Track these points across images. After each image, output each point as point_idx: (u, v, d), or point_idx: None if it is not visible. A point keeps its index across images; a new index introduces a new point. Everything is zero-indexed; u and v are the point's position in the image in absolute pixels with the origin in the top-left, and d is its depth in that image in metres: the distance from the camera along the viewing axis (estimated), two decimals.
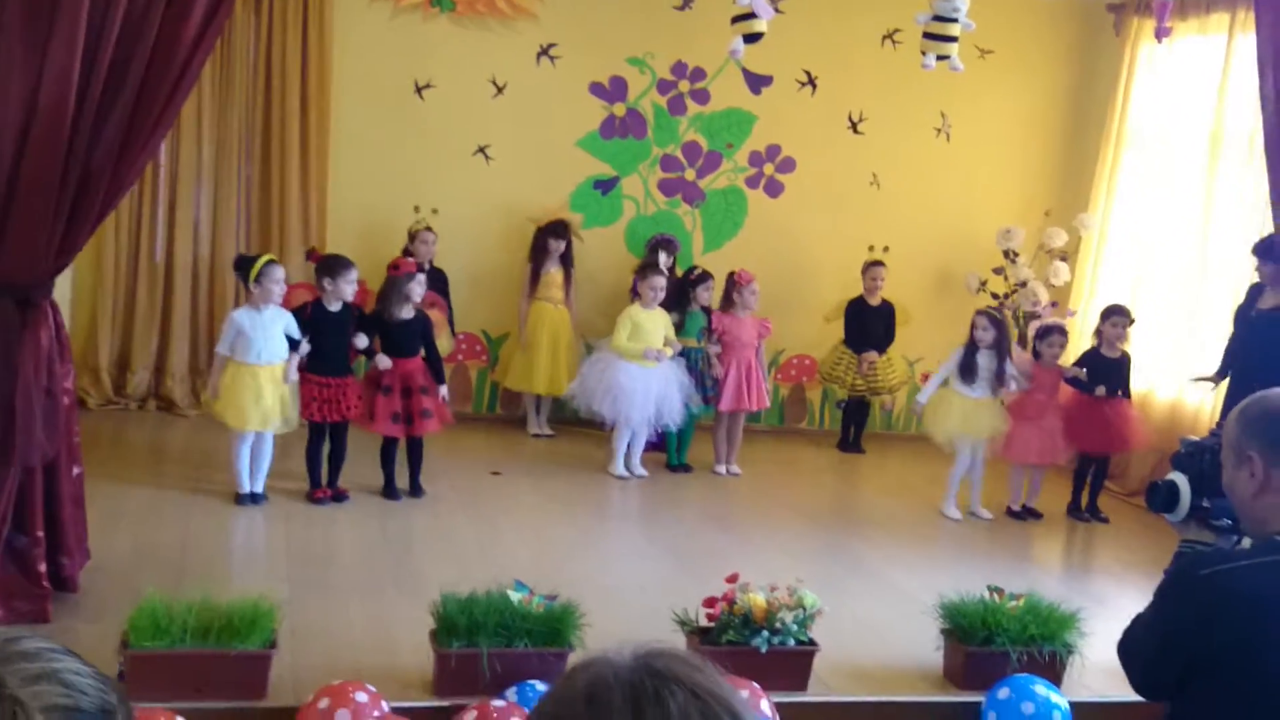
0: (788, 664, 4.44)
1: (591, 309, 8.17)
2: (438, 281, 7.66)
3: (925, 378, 8.63)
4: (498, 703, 3.77)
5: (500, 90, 8.13)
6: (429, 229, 7.68)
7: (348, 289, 6.10)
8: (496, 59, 8.08)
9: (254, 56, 7.78)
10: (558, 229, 7.83)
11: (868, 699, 4.53)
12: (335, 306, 6.11)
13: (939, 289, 8.88)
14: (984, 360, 6.89)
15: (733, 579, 4.51)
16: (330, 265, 6.15)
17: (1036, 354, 7.17)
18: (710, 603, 4.46)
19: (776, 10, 8.09)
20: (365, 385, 6.35)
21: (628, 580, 5.55)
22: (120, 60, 4.22)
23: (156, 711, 3.55)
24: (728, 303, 7.53)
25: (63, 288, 7.22)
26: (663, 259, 7.64)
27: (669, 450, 7.58)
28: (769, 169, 8.67)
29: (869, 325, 8.26)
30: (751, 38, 5.15)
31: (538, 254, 7.87)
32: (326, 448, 6.24)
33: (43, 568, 4.44)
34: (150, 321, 7.85)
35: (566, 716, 0.96)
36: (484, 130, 8.12)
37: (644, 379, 7.08)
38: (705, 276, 7.56)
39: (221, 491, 6.13)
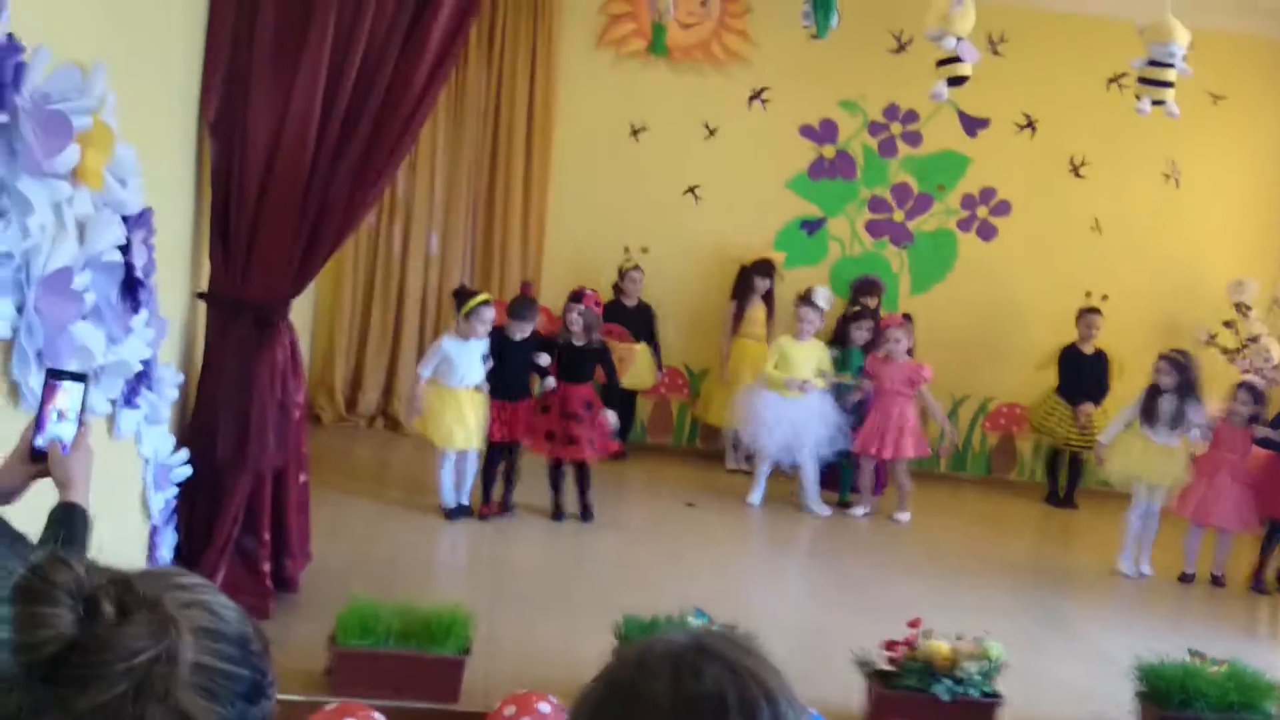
0: (970, 715, 4.37)
1: None
2: (644, 317, 7.91)
3: None
4: None
5: (712, 133, 8.33)
6: (637, 267, 7.93)
7: (523, 330, 6.43)
8: (709, 102, 8.29)
9: (485, 101, 8.24)
10: (763, 268, 7.94)
11: None
12: (518, 336, 6.43)
13: (1163, 340, 8.47)
14: (1166, 404, 6.62)
15: (915, 624, 4.48)
16: (512, 307, 6.53)
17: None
18: (890, 645, 4.44)
19: (995, 53, 8.07)
20: (534, 405, 6.62)
21: (809, 617, 5.56)
22: (356, 103, 4.60)
23: (356, 705, 3.80)
24: (878, 346, 7.43)
25: (305, 312, 7.88)
26: (821, 296, 7.54)
27: (841, 487, 7.56)
28: (982, 211, 8.54)
29: (1083, 374, 7.99)
30: (956, 81, 5.14)
31: (742, 292, 8.00)
32: (501, 467, 6.54)
33: (267, 567, 4.83)
34: (382, 345, 8.38)
35: (619, 674, 1.07)
36: (695, 171, 8.34)
37: (784, 409, 7.12)
38: (860, 315, 7.52)
39: (433, 506, 6.47)
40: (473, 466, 6.48)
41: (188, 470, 4.48)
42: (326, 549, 5.58)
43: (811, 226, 8.47)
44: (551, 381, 6.50)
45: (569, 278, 8.21)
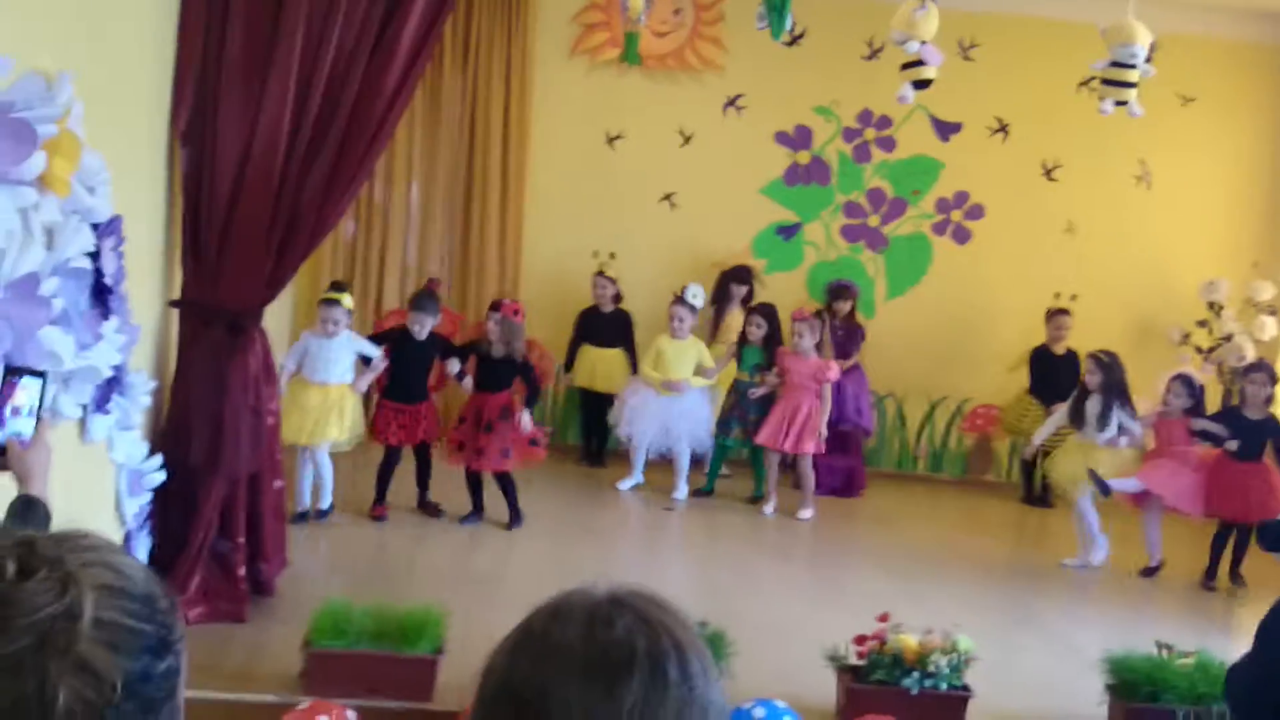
0: (939, 707, 4.41)
1: None
2: (621, 323, 7.95)
3: None
4: None
5: (687, 140, 8.40)
6: (599, 273, 7.95)
7: (424, 325, 6.38)
8: (684, 110, 8.37)
9: (460, 110, 8.29)
10: (740, 274, 8.00)
11: None
12: (419, 333, 6.39)
13: (1137, 340, 8.58)
14: (1092, 405, 6.75)
15: (884, 618, 4.53)
16: (415, 300, 6.52)
17: (1242, 394, 6.87)
18: (860, 640, 4.48)
19: (966, 58, 8.15)
20: (456, 417, 6.64)
21: (783, 615, 5.60)
22: (327, 109, 4.65)
23: (330, 704, 3.84)
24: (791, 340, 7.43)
25: (283, 321, 7.91)
26: (693, 294, 7.62)
27: (756, 481, 7.68)
28: (956, 215, 8.62)
29: (1055, 375, 8.06)
30: (921, 84, 5.21)
31: (720, 298, 8.06)
32: (411, 469, 6.53)
33: (242, 571, 4.86)
34: None
35: (535, 623, 1.11)
36: (671, 178, 8.41)
37: (657, 404, 7.28)
38: (751, 312, 7.59)
39: (408, 510, 6.49)
40: (326, 468, 6.31)
41: (162, 476, 4.51)
42: (303, 554, 5.61)
43: (788, 232, 8.54)
44: (469, 383, 6.48)
45: (547, 285, 8.28)
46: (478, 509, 6.54)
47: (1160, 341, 8.40)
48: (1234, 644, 5.66)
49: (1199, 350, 8.29)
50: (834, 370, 7.35)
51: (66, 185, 3.18)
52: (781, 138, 8.45)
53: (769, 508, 7.38)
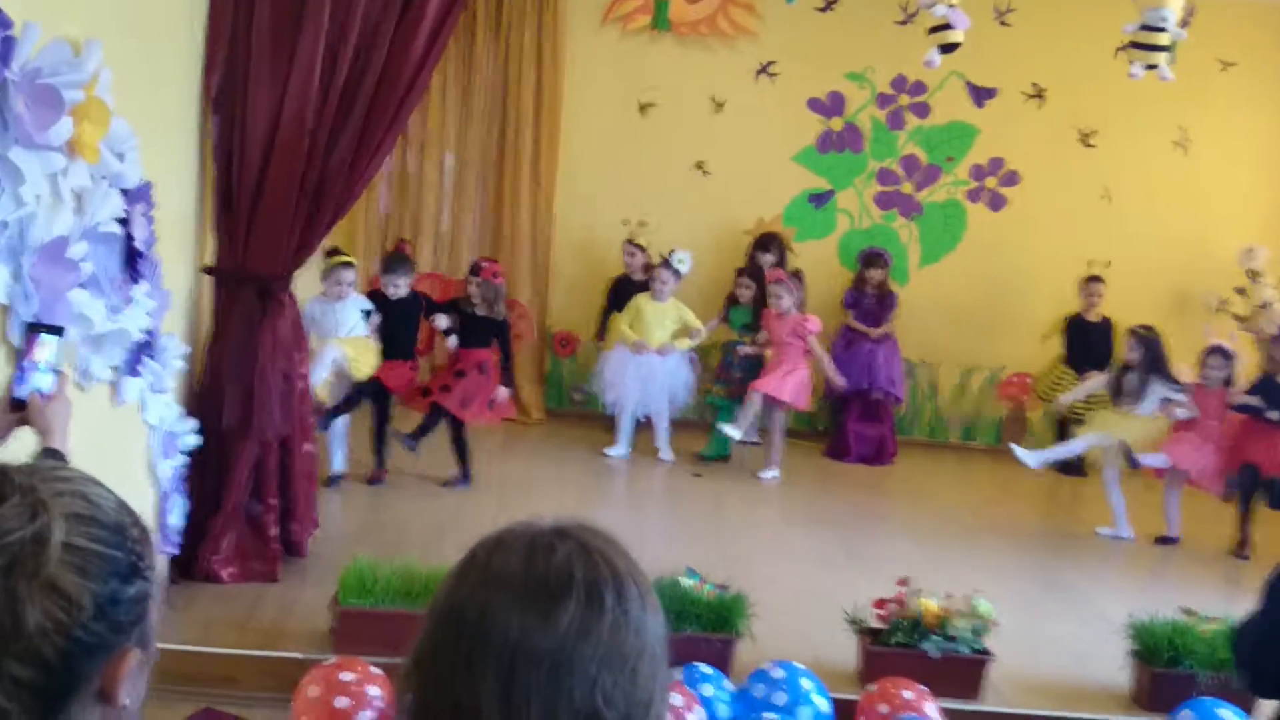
0: (959, 671, 4.43)
1: None
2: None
3: None
4: None
5: (719, 107, 8.38)
6: (628, 240, 7.98)
7: (398, 284, 6.40)
8: (717, 77, 8.35)
9: (492, 78, 8.32)
10: (768, 241, 7.99)
11: (1042, 713, 4.47)
12: (393, 293, 6.42)
13: (1174, 308, 8.49)
14: (1132, 381, 6.74)
15: (904, 582, 4.55)
16: (383, 262, 6.60)
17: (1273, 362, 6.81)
18: (880, 604, 4.51)
19: (1003, 23, 8.07)
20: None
21: (809, 581, 5.62)
22: (355, 76, 4.70)
23: (356, 660, 3.92)
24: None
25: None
26: (679, 259, 7.63)
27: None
28: (991, 182, 8.56)
29: (1090, 343, 8.01)
30: (947, 47, 5.17)
31: (751, 265, 8.05)
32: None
33: (274, 532, 4.96)
34: None
35: (480, 552, 1.15)
36: (702, 146, 8.40)
37: (635, 366, 7.32)
38: (740, 273, 7.65)
39: (438, 476, 6.57)
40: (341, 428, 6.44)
41: (196, 438, 4.61)
42: (335, 517, 5.72)
43: (820, 200, 8.51)
44: (454, 341, 6.55)
45: (578, 252, 8.33)
46: (465, 474, 6.61)
47: (1196, 309, 8.30)
48: None
49: (1236, 318, 8.19)
50: (812, 322, 7.39)
51: (95, 151, 3.25)
52: (814, 104, 8.42)
53: (769, 474, 7.42)
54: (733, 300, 7.66)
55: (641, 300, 7.43)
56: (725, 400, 7.64)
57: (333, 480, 6.36)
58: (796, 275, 7.66)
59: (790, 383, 7.31)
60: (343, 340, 6.18)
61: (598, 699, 1.07)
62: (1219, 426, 6.73)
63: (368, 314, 6.31)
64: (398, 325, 6.47)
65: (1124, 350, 6.83)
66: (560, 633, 1.07)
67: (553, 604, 1.08)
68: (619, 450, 7.52)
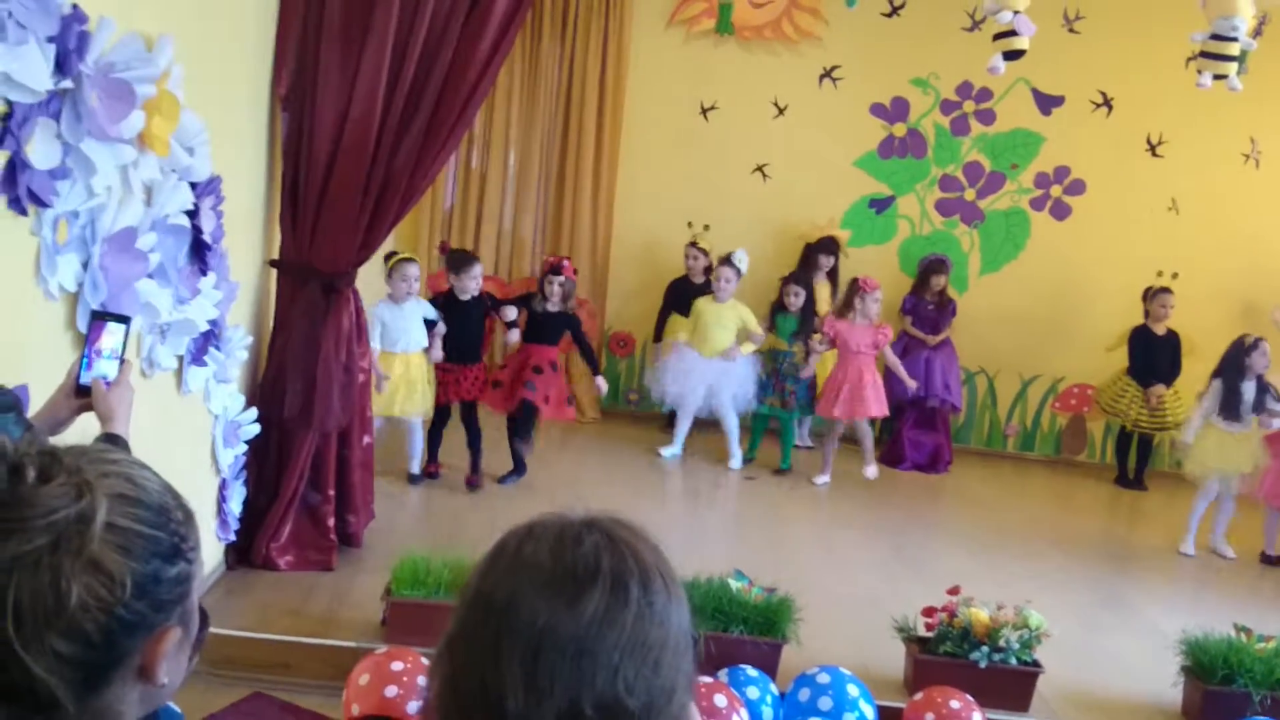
0: (1008, 683, 4.40)
1: None
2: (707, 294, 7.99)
3: None
4: (706, 679, 3.98)
5: (781, 111, 8.38)
6: (691, 243, 7.99)
7: (471, 284, 6.36)
8: (780, 81, 8.34)
9: (557, 78, 8.39)
10: (826, 245, 7.98)
11: None
12: (464, 294, 6.38)
13: (1240, 322, 8.33)
14: (1248, 393, 6.57)
15: (954, 591, 4.53)
16: (453, 261, 6.50)
17: None
18: (929, 612, 4.49)
19: (1071, 30, 7.99)
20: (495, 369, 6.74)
21: (860, 588, 5.61)
22: (421, 77, 4.77)
23: (407, 650, 3.99)
24: (846, 308, 7.31)
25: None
26: (739, 258, 7.50)
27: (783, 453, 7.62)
28: (1056, 191, 8.47)
29: (1155, 355, 7.90)
30: (1012, 55, 5.13)
31: (806, 270, 8.03)
32: (461, 433, 6.50)
33: (331, 522, 5.05)
34: None
35: (510, 539, 1.19)
36: (763, 149, 8.40)
37: (701, 367, 7.26)
38: (787, 280, 7.56)
39: (493, 474, 6.62)
40: (418, 434, 6.44)
41: (256, 428, 4.71)
42: (391, 510, 5.80)
43: (881, 205, 8.47)
44: (515, 335, 6.53)
45: (638, 254, 8.36)
46: (519, 467, 6.64)
47: (1263, 323, 8.13)
48: None
49: None
50: (888, 330, 7.35)
51: (165, 145, 3.34)
52: (877, 109, 8.38)
53: (822, 479, 7.39)
54: (779, 307, 7.59)
55: (702, 304, 7.43)
56: (782, 412, 7.60)
57: (414, 479, 6.44)
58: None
59: (877, 396, 7.29)
60: (392, 390, 6.17)
61: (619, 686, 1.09)
62: None
63: (431, 323, 6.30)
64: (466, 327, 6.44)
65: (1249, 359, 6.61)
66: (585, 620, 1.09)
67: (579, 592, 1.10)
68: (673, 450, 7.53)
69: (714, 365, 7.33)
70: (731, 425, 7.46)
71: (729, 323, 7.36)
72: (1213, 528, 6.81)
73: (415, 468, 6.49)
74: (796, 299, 7.49)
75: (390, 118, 4.77)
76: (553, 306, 6.60)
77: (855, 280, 7.32)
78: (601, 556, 1.13)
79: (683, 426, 7.53)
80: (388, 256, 6.34)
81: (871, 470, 7.42)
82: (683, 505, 6.87)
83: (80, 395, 2.19)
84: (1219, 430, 6.65)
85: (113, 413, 2.16)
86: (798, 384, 7.49)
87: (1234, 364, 6.65)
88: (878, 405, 7.28)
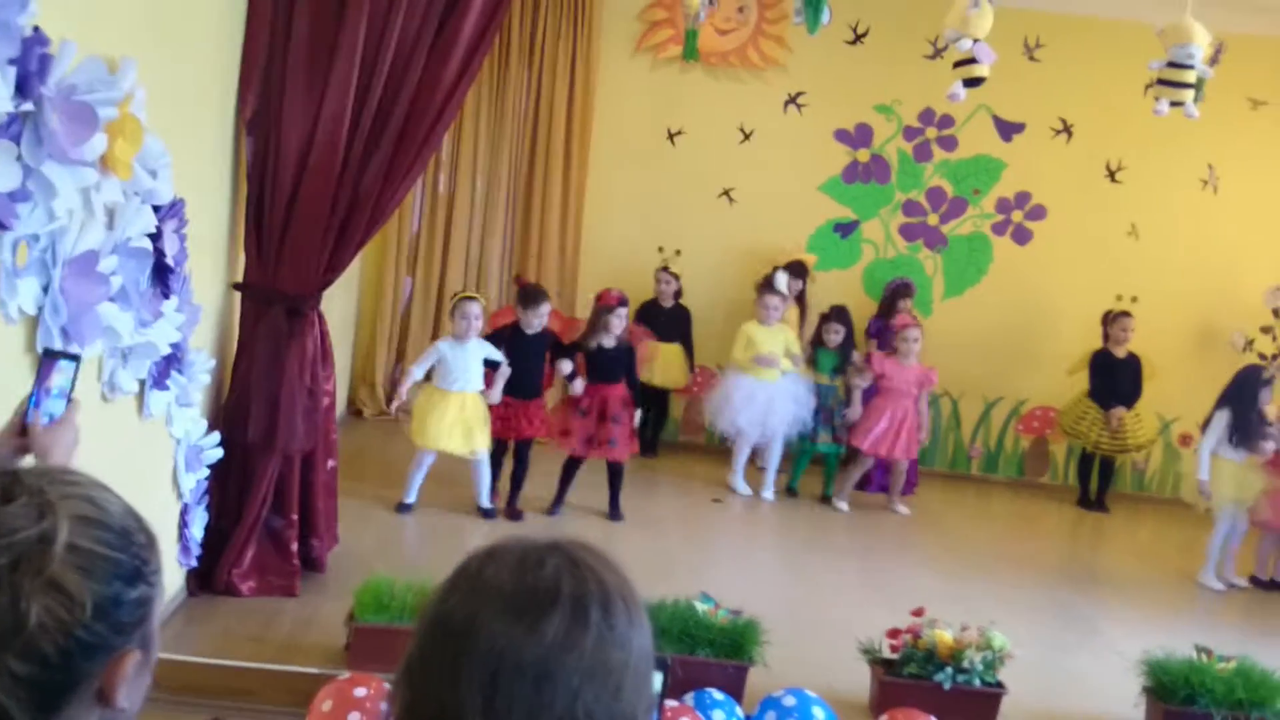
0: (972, 703, 4.42)
1: None
2: (680, 319, 8.03)
3: (1184, 439, 8.30)
4: (672, 703, 3.97)
5: (747, 137, 8.44)
6: (663, 268, 8.04)
7: (535, 321, 6.37)
8: (746, 107, 8.41)
9: (525, 103, 8.42)
10: (794, 269, 8.03)
11: None
12: (531, 329, 6.38)
13: (1198, 345, 8.47)
14: (1257, 419, 6.65)
15: (918, 613, 4.55)
16: (524, 296, 6.48)
17: None
18: (894, 634, 4.51)
19: (1032, 58, 8.10)
20: (564, 407, 6.63)
21: (826, 610, 5.63)
22: (387, 100, 4.77)
23: (370, 677, 3.96)
24: (892, 347, 7.45)
25: (349, 309, 8.10)
26: (781, 281, 7.52)
27: (825, 481, 7.68)
28: (1017, 216, 8.57)
29: (1116, 378, 7.99)
30: (972, 82, 5.21)
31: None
32: (510, 467, 6.52)
33: (294, 547, 5.01)
34: (422, 342, 8.49)
35: (472, 562, 1.18)
36: (730, 174, 8.46)
37: (756, 390, 7.27)
38: (826, 317, 7.63)
39: (464, 499, 6.58)
40: (484, 470, 6.39)
41: (219, 452, 4.67)
42: (356, 534, 5.76)
43: (845, 230, 8.55)
44: (580, 384, 6.46)
45: (605, 278, 8.35)
46: (561, 499, 6.63)
47: (1222, 348, 8.27)
48: None
49: (1262, 357, 8.15)
50: (935, 374, 7.45)
51: (128, 167, 3.33)
52: (841, 135, 8.46)
53: (844, 503, 7.49)
54: (818, 342, 7.60)
55: (750, 328, 7.40)
56: (835, 447, 7.61)
57: (403, 508, 6.35)
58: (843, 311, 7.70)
59: (914, 440, 7.43)
60: (451, 404, 6.15)
61: (579, 711, 1.08)
62: None
63: (493, 364, 6.20)
64: (529, 362, 6.38)
65: (1252, 390, 6.64)
66: (545, 644, 1.08)
67: (539, 615, 1.10)
68: (739, 483, 7.51)
69: (768, 389, 7.32)
70: (776, 454, 7.48)
71: (779, 346, 7.36)
72: (1224, 558, 6.82)
73: (485, 501, 6.43)
74: (836, 335, 7.54)
75: (356, 140, 4.77)
76: (610, 342, 6.50)
77: (893, 320, 7.55)
78: (562, 579, 1.13)
79: (743, 456, 7.52)
80: (453, 296, 6.30)
81: (903, 508, 7.53)
82: (644, 528, 6.85)
83: (25, 435, 2.14)
84: (1230, 462, 6.68)
85: (47, 451, 2.09)
86: (841, 419, 7.53)
87: (1246, 394, 6.67)
88: (906, 447, 7.41)
